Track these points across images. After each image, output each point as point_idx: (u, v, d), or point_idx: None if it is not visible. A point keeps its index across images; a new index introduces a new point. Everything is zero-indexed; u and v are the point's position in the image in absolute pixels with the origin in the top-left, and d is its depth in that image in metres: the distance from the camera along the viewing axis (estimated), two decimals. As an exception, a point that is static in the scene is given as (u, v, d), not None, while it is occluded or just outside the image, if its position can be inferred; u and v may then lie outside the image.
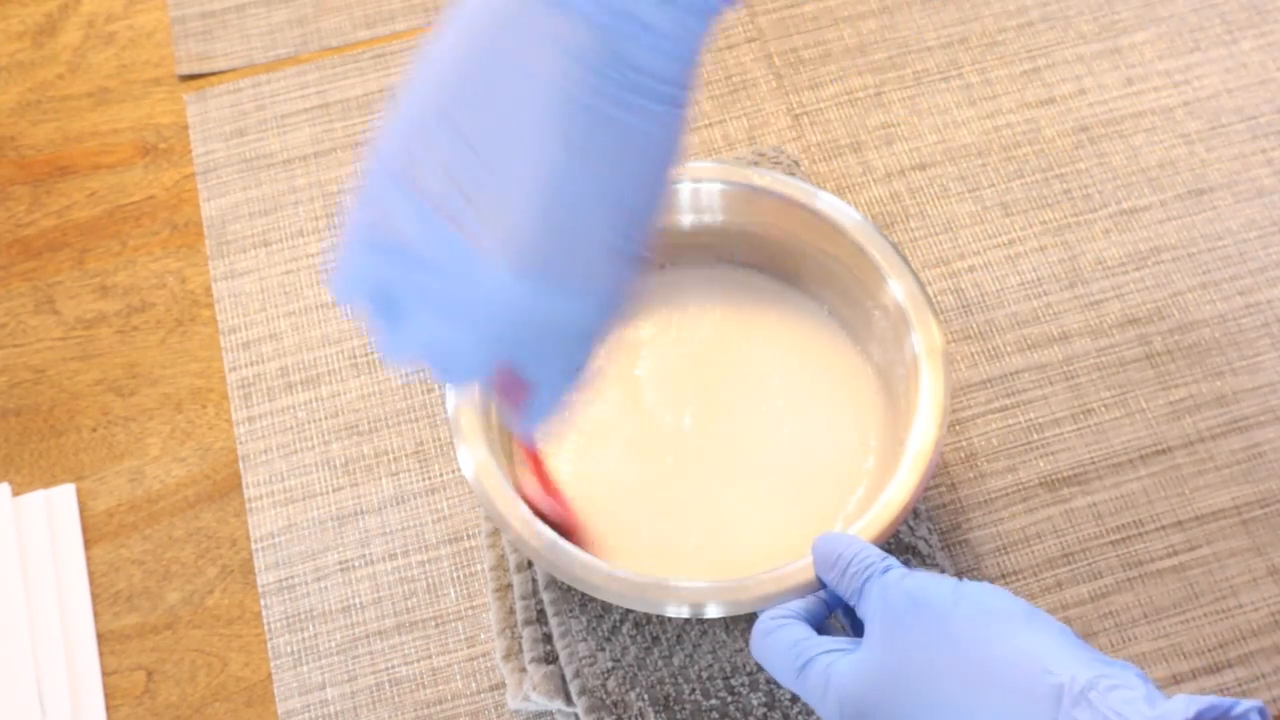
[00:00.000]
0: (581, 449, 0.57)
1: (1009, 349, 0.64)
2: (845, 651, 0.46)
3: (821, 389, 0.58)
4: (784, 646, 0.47)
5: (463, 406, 0.53)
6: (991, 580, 0.58)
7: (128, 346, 0.65)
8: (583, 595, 0.55)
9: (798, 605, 0.49)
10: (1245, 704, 0.39)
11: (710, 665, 0.55)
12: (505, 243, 0.38)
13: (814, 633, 0.47)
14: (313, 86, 0.72)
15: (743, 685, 0.54)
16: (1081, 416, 0.62)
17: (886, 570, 0.47)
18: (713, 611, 0.49)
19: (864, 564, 0.47)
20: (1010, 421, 0.62)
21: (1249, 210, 0.67)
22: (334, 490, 0.61)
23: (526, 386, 0.43)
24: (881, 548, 0.56)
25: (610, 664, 0.54)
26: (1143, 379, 0.63)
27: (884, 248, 0.56)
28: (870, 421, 0.57)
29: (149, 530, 0.61)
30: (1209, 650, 0.57)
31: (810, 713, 0.54)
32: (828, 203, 0.57)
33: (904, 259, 0.55)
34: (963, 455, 0.61)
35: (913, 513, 0.57)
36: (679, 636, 0.55)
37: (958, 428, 0.62)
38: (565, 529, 0.52)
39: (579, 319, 0.40)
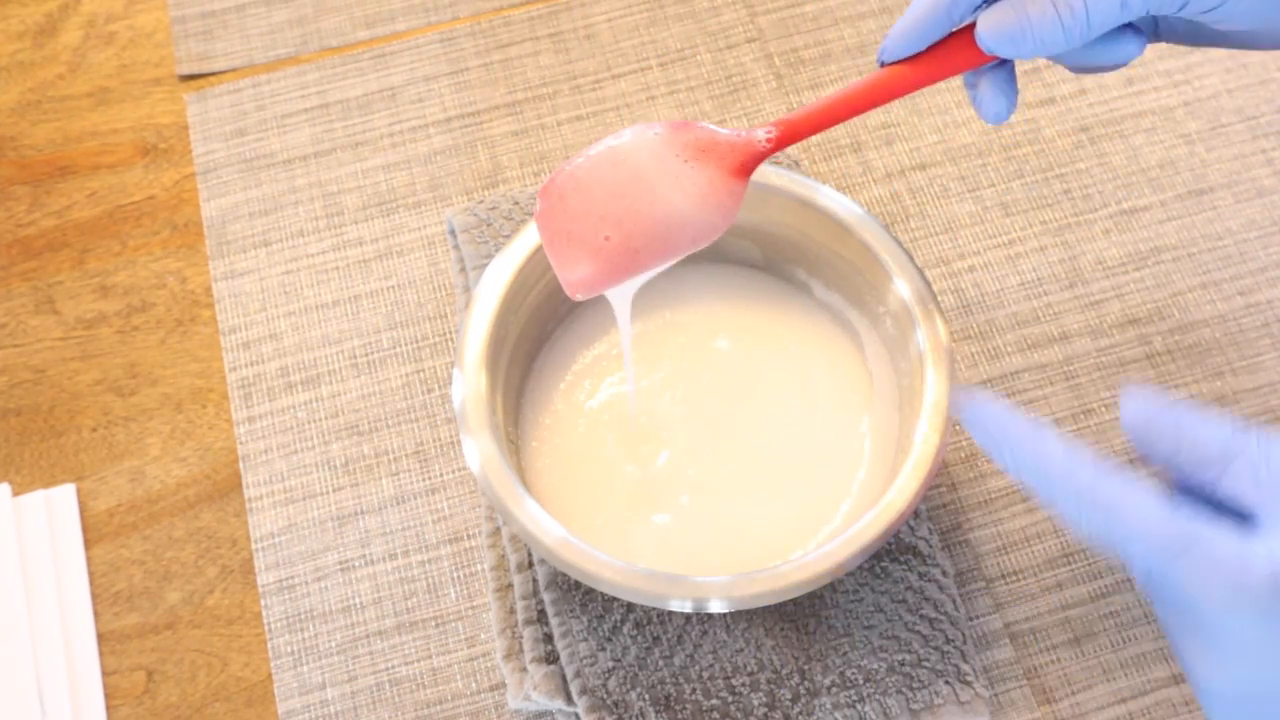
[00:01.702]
0: (581, 448, 0.57)
1: (1009, 349, 0.64)
2: (1246, 539, 0.35)
3: (824, 389, 0.58)
4: (1142, 506, 0.36)
5: (469, 398, 0.53)
6: (990, 581, 0.58)
7: (128, 346, 0.65)
8: (584, 595, 0.56)
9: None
10: None
11: (711, 665, 0.55)
12: None
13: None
14: (313, 86, 0.72)
15: (743, 685, 0.54)
16: (1081, 416, 0.62)
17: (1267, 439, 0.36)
18: (715, 606, 0.49)
19: (1219, 432, 0.38)
20: (1010, 421, 0.62)
21: (1249, 210, 0.67)
22: (334, 490, 0.61)
23: None
24: (882, 549, 0.56)
25: (611, 664, 0.54)
26: (1143, 379, 0.63)
27: (890, 246, 0.56)
28: (872, 421, 0.57)
29: (149, 530, 0.61)
30: (1209, 650, 0.57)
31: (810, 713, 0.54)
32: (834, 200, 0.57)
33: (909, 257, 0.55)
34: (963, 455, 0.61)
35: (913, 513, 0.57)
36: (680, 636, 0.55)
37: (958, 428, 0.62)
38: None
39: None
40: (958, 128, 0.70)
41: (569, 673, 0.54)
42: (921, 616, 0.56)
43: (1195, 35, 0.45)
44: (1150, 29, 0.47)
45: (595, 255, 0.46)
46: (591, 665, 0.54)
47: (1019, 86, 0.47)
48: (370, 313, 0.65)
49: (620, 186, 0.46)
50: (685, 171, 0.46)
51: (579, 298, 0.47)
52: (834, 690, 0.54)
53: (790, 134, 0.47)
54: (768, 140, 0.47)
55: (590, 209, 0.46)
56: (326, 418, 0.63)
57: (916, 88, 0.46)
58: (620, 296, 0.51)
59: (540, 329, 0.58)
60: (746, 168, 0.47)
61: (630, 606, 0.56)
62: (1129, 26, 0.45)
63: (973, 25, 0.45)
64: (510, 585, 0.57)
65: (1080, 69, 0.47)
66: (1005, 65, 0.47)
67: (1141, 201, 0.67)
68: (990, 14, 0.44)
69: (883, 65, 0.46)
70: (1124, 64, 0.45)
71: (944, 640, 0.55)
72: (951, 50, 0.45)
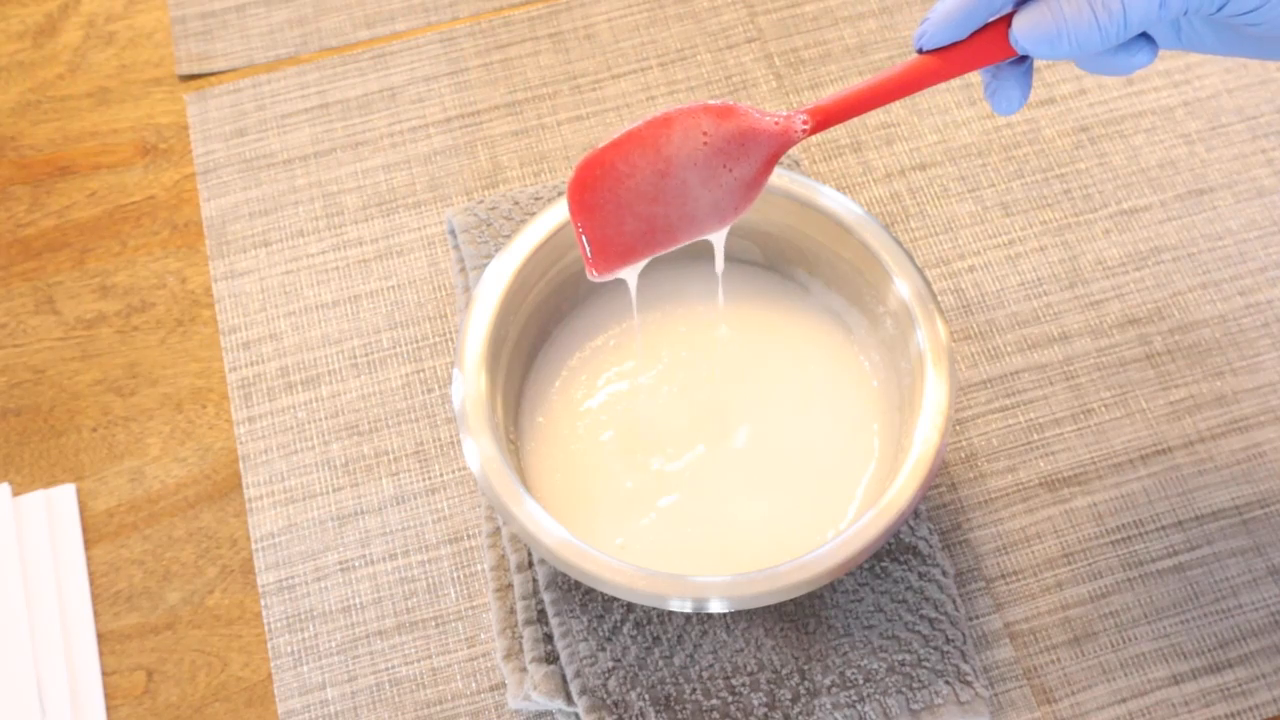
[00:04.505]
0: (581, 447, 0.57)
1: (1009, 349, 0.64)
2: None
3: (824, 387, 0.58)
4: None
5: (469, 398, 0.53)
6: (990, 581, 0.58)
7: (128, 346, 0.65)
8: (583, 595, 0.56)
9: None
10: None
11: (711, 665, 0.55)
12: None
13: None
14: (313, 86, 0.72)
15: (743, 685, 0.54)
16: (1082, 416, 0.62)
17: None
18: (715, 606, 0.49)
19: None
20: (1010, 421, 0.62)
21: (1249, 210, 0.67)
22: (334, 490, 0.61)
23: None
24: (882, 549, 0.56)
25: (611, 664, 0.54)
26: (1143, 379, 0.63)
27: (890, 245, 0.56)
28: (873, 420, 0.57)
29: (149, 530, 0.61)
30: (1209, 650, 0.57)
31: (810, 713, 0.54)
32: (834, 200, 0.57)
33: (909, 257, 0.55)
34: (963, 455, 0.61)
35: (913, 513, 0.57)
36: (680, 636, 0.55)
37: (958, 428, 0.62)
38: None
39: None
40: (958, 128, 0.70)
41: (569, 673, 0.54)
42: (921, 616, 0.56)
43: (1222, 42, 0.45)
44: (1174, 36, 0.47)
45: (624, 246, 0.48)
46: (591, 665, 0.54)
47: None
48: (370, 313, 0.65)
49: (664, 196, 0.47)
50: (726, 178, 0.48)
51: (596, 279, 0.49)
52: (834, 690, 0.54)
53: (825, 120, 0.47)
54: (804, 128, 0.47)
55: (631, 209, 0.47)
56: (326, 418, 0.63)
57: (946, 78, 0.46)
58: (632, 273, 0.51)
59: (540, 329, 0.59)
60: (777, 156, 0.48)
61: (630, 606, 0.56)
62: (1142, 34, 0.45)
63: (1004, 18, 0.45)
64: (510, 585, 0.57)
65: (1089, 69, 0.47)
66: (1027, 59, 0.47)
67: (1141, 201, 0.67)
68: (1025, 14, 0.44)
69: (920, 52, 0.46)
70: (1132, 71, 0.46)
71: (944, 640, 0.55)
72: (985, 42, 0.45)
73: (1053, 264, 0.66)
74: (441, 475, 0.61)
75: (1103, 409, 0.62)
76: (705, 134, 0.47)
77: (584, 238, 0.48)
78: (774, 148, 0.48)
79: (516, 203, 0.65)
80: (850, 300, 0.58)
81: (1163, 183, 0.68)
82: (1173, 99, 0.70)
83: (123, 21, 0.75)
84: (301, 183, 0.69)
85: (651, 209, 0.48)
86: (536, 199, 0.65)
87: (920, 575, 0.56)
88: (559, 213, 0.56)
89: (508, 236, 0.63)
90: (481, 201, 0.66)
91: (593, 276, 0.49)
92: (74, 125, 0.71)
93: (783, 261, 0.60)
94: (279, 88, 0.72)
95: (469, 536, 0.60)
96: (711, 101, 0.48)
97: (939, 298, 0.64)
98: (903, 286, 0.55)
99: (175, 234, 0.68)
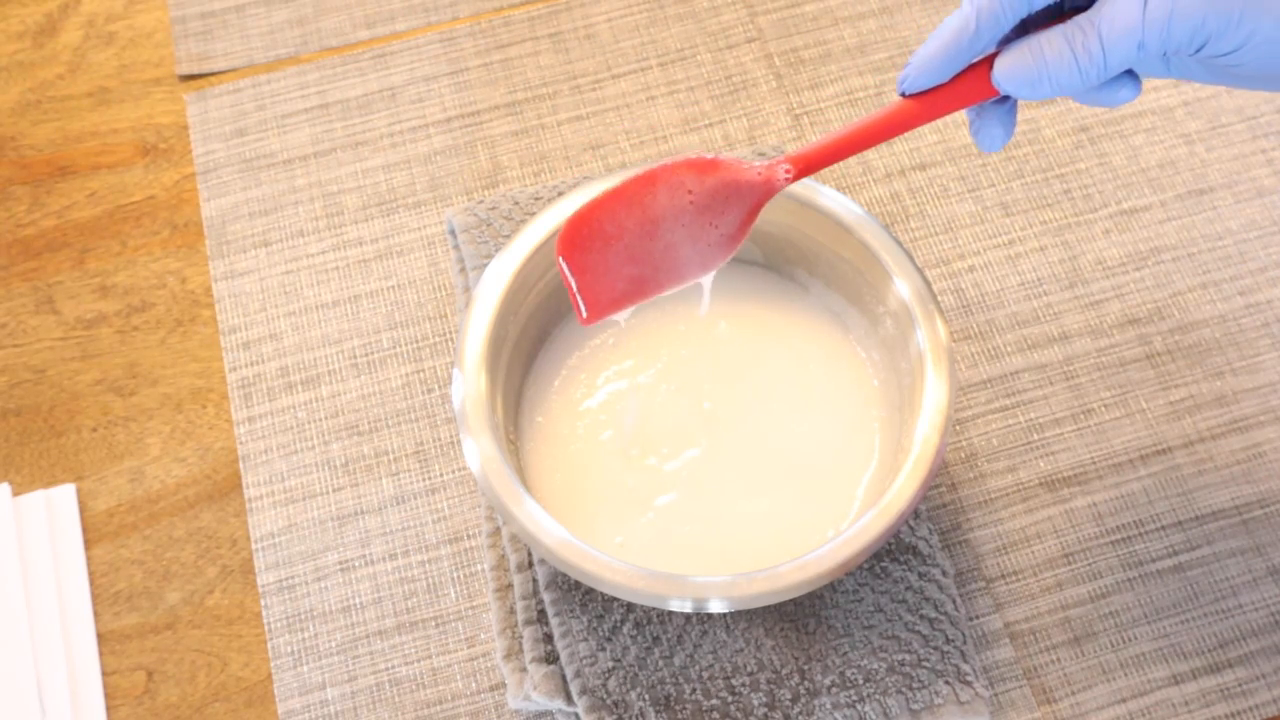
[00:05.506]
0: (580, 447, 0.57)
1: (1009, 349, 0.64)
2: None
3: (824, 387, 0.58)
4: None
5: (469, 398, 0.53)
6: (990, 581, 0.58)
7: (128, 346, 0.65)
8: (583, 595, 0.56)
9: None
10: None
11: (711, 665, 0.55)
12: None
13: None
14: (313, 86, 0.72)
15: (743, 685, 0.54)
16: (1081, 416, 0.62)
17: None
18: (715, 606, 0.49)
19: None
20: (1010, 421, 0.62)
21: (1249, 210, 0.67)
22: (334, 490, 0.61)
23: None
24: (882, 549, 0.56)
25: (611, 664, 0.54)
26: (1143, 379, 0.63)
27: (890, 245, 0.56)
28: (873, 420, 0.57)
29: (149, 530, 0.61)
30: (1209, 650, 0.57)
31: (810, 713, 0.54)
32: (834, 200, 0.57)
33: (909, 257, 0.55)
34: (963, 455, 0.61)
35: (913, 513, 0.57)
36: (680, 636, 0.55)
37: (958, 428, 0.62)
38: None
39: None
40: (958, 128, 0.70)
41: (569, 673, 0.54)
42: (921, 616, 0.56)
43: (1208, 74, 0.46)
44: (1163, 67, 0.47)
45: (612, 300, 0.50)
46: (591, 665, 0.54)
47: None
48: (370, 313, 0.65)
49: (651, 256, 0.49)
50: (712, 234, 0.49)
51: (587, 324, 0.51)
52: (834, 690, 0.54)
53: (807, 168, 0.48)
54: (786, 177, 0.48)
55: (620, 271, 0.49)
56: (326, 418, 0.63)
57: (929, 120, 0.47)
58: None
59: (540, 329, 0.59)
60: (760, 205, 0.49)
61: (630, 606, 0.56)
62: (1126, 71, 0.45)
63: (987, 59, 0.46)
64: (510, 585, 0.57)
65: (1075, 100, 0.47)
66: (1010, 98, 0.47)
67: (1141, 201, 0.67)
68: (1007, 56, 0.44)
69: (904, 95, 0.47)
70: (1117, 105, 0.46)
71: (944, 640, 0.55)
72: (966, 84, 0.46)
73: (1053, 264, 0.66)
74: (441, 475, 0.61)
75: (1103, 409, 0.62)
76: (690, 192, 0.48)
77: (577, 296, 0.49)
78: (757, 198, 0.48)
79: (516, 203, 0.65)
80: (850, 300, 0.58)
81: (1163, 183, 0.68)
82: (1173, 99, 0.70)
83: (123, 21, 0.75)
84: (301, 183, 0.69)
85: (640, 269, 0.49)
86: (536, 199, 0.65)
87: (920, 575, 0.56)
88: (559, 213, 0.56)
89: (508, 236, 0.63)
90: (481, 201, 0.66)
91: (584, 324, 0.50)
92: (74, 125, 0.71)
93: (782, 261, 0.60)
94: (279, 88, 0.72)
95: (469, 536, 0.60)
96: (693, 155, 0.48)
97: (939, 298, 0.64)
98: (903, 286, 0.55)
99: (175, 234, 0.68)
